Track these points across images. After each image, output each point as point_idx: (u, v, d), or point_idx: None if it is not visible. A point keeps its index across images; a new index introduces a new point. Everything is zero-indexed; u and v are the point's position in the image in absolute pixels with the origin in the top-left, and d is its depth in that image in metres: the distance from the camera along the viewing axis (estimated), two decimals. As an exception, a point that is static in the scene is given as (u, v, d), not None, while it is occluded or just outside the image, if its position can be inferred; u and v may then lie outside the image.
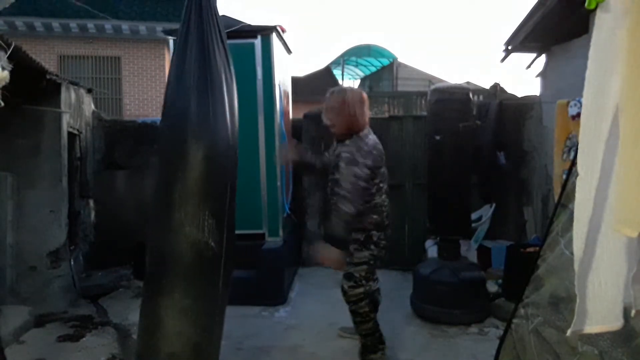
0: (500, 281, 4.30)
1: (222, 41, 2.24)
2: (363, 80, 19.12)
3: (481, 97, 5.86)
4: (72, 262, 4.51)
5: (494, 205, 5.25)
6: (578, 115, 3.52)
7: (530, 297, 2.04)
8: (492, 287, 4.28)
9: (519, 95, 5.81)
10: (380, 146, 2.99)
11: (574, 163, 1.68)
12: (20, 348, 3.35)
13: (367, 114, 3.03)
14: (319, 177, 3.51)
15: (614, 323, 1.38)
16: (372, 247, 2.95)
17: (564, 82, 4.56)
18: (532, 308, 2.00)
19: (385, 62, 16.82)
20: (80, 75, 9.67)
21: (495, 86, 5.83)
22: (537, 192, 5.16)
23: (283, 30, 4.74)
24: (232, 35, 4.02)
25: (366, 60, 17.59)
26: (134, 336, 2.97)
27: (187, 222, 2.08)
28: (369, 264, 2.95)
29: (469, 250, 4.82)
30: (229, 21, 4.42)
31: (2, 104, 2.58)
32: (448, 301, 3.81)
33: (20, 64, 3.15)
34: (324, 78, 14.32)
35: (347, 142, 2.93)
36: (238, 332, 3.64)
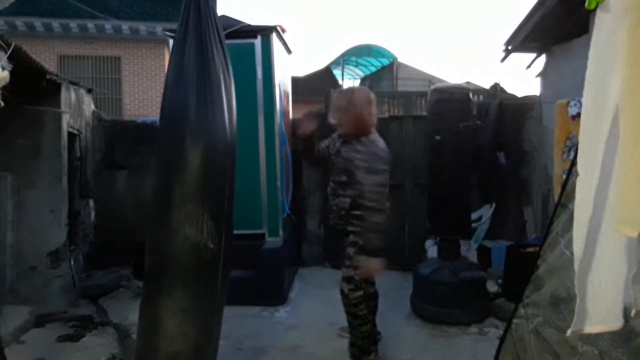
0: (500, 281, 4.30)
1: (221, 41, 2.24)
2: (363, 80, 19.12)
3: (481, 97, 5.86)
4: (72, 262, 4.51)
5: (494, 205, 5.25)
6: (578, 115, 3.52)
7: (530, 297, 2.04)
8: (492, 287, 4.28)
9: (519, 95, 5.81)
10: (387, 148, 3.00)
11: (574, 163, 1.69)
12: (20, 348, 3.35)
13: (375, 114, 2.99)
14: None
15: (614, 323, 1.38)
16: None
17: (564, 82, 4.56)
18: (532, 308, 2.00)
19: (385, 62, 16.82)
20: (80, 75, 9.66)
21: (495, 86, 5.83)
22: (537, 192, 5.16)
23: (283, 30, 4.74)
24: (232, 35, 4.04)
25: (366, 60, 17.59)
26: (134, 336, 2.97)
27: (187, 223, 2.09)
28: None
29: (469, 250, 4.82)
30: (229, 21, 4.42)
31: (2, 104, 2.58)
32: (448, 301, 3.81)
33: (20, 64, 3.15)
34: (324, 78, 14.33)
35: (358, 146, 2.87)
36: (238, 332, 3.64)
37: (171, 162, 2.16)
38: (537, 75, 5.34)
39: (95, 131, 5.49)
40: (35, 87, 3.88)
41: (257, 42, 4.43)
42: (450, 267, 3.93)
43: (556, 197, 2.40)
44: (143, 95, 10.87)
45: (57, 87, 4.32)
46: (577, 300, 1.41)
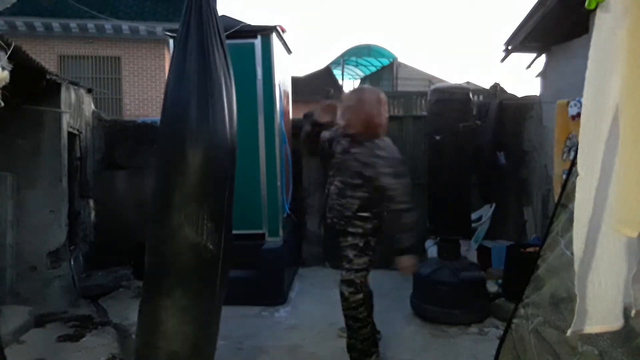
0: (500, 281, 4.30)
1: (222, 43, 2.25)
2: (363, 80, 19.11)
3: (481, 97, 5.86)
4: (72, 262, 4.51)
5: (494, 205, 5.25)
6: (578, 115, 3.52)
7: (530, 297, 2.04)
8: (492, 287, 4.28)
9: (519, 95, 5.81)
10: None
11: (574, 163, 1.68)
12: (20, 348, 3.35)
13: (385, 115, 2.94)
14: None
15: (614, 323, 1.38)
16: (370, 252, 2.94)
17: (564, 82, 4.57)
18: (532, 308, 2.00)
19: (385, 62, 16.82)
20: (80, 75, 9.66)
21: (495, 86, 5.83)
22: (537, 192, 5.16)
23: (283, 30, 4.74)
24: (232, 35, 4.04)
25: (366, 60, 17.58)
26: (134, 336, 2.98)
27: (187, 224, 2.10)
28: (367, 270, 2.94)
29: (469, 250, 4.82)
30: (229, 21, 4.42)
31: (2, 104, 2.58)
32: (448, 301, 3.81)
33: (20, 64, 3.15)
34: (324, 78, 14.33)
35: (379, 151, 2.84)
36: (238, 332, 3.64)
37: (171, 162, 2.17)
38: (537, 75, 5.35)
39: (95, 131, 5.49)
40: (35, 87, 3.88)
41: (257, 42, 4.43)
42: (450, 267, 3.93)
43: (556, 197, 2.40)
44: (143, 95, 10.87)
45: (57, 87, 4.32)
46: (577, 300, 1.41)
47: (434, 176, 4.22)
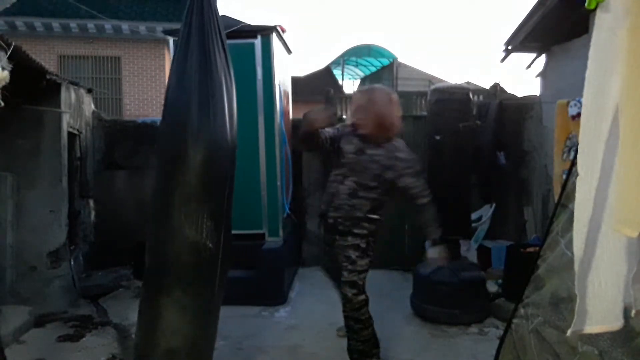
0: (500, 281, 4.29)
1: (223, 43, 2.27)
2: (363, 80, 19.12)
3: (481, 97, 5.88)
4: (72, 262, 4.51)
5: (494, 205, 5.25)
6: (578, 115, 3.52)
7: (530, 297, 2.04)
8: (492, 287, 4.28)
9: (519, 95, 5.82)
10: None
11: (574, 163, 1.69)
12: (20, 348, 3.35)
13: (397, 114, 2.93)
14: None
15: (614, 323, 1.38)
16: (371, 253, 2.93)
17: (564, 82, 4.56)
18: (532, 308, 2.00)
19: (385, 62, 16.82)
20: (80, 75, 9.66)
21: (495, 86, 5.84)
22: (537, 192, 5.16)
23: (283, 30, 4.74)
24: (232, 35, 4.03)
25: (366, 60, 17.59)
26: (134, 336, 2.98)
27: (187, 224, 2.12)
28: (367, 271, 2.94)
29: (469, 250, 4.83)
30: (229, 21, 4.42)
31: (2, 104, 2.58)
32: (448, 301, 3.81)
33: (20, 64, 3.15)
34: (324, 78, 14.35)
35: (398, 153, 2.86)
36: (238, 332, 3.64)
37: (172, 162, 2.19)
38: (537, 75, 5.35)
39: (95, 131, 5.49)
40: (35, 87, 3.88)
41: (257, 42, 4.43)
42: (450, 267, 3.92)
43: (556, 197, 2.40)
44: (143, 95, 10.87)
45: (57, 87, 4.32)
46: (577, 300, 1.41)
47: (434, 176, 4.20)
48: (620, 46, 1.25)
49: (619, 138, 1.24)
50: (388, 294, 4.40)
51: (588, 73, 1.35)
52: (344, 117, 5.87)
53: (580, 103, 1.50)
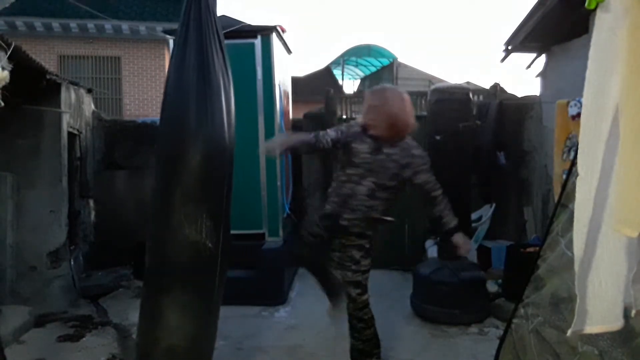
0: (500, 281, 4.29)
1: (221, 45, 2.28)
2: (363, 80, 19.12)
3: (481, 97, 5.86)
4: (72, 262, 4.51)
5: (494, 205, 5.25)
6: (578, 115, 3.52)
7: (530, 297, 2.04)
8: (492, 287, 4.28)
9: (519, 95, 5.81)
10: None
11: (574, 163, 1.69)
12: (20, 348, 3.35)
13: (411, 113, 2.86)
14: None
15: (614, 323, 1.38)
16: (372, 253, 2.93)
17: (564, 82, 4.56)
18: (532, 308, 2.00)
19: (385, 62, 16.82)
20: (80, 75, 9.66)
21: (495, 86, 5.83)
22: (537, 192, 5.16)
23: (283, 30, 4.74)
24: (232, 35, 4.04)
25: (366, 60, 17.59)
26: (134, 336, 2.98)
27: (186, 223, 2.14)
28: (369, 271, 2.94)
29: (469, 250, 4.82)
30: (229, 21, 4.42)
31: (2, 104, 2.59)
32: (448, 301, 3.81)
33: (20, 64, 3.16)
34: (324, 78, 14.36)
35: (414, 150, 2.85)
36: (238, 332, 3.64)
37: (171, 162, 2.20)
38: (537, 75, 5.35)
39: (95, 131, 5.49)
40: (35, 87, 3.88)
41: (257, 42, 4.43)
42: (450, 267, 3.93)
43: (556, 197, 2.40)
44: (143, 95, 10.87)
45: (57, 87, 4.33)
46: (577, 300, 1.41)
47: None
48: (620, 46, 1.25)
49: (619, 138, 1.24)
50: (388, 294, 4.40)
51: (588, 73, 1.35)
52: (344, 117, 5.86)
53: (580, 103, 1.50)
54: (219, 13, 2.38)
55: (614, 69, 1.27)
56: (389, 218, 2.90)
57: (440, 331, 3.73)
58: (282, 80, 4.96)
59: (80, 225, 5.01)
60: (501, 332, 2.69)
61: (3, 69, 2.66)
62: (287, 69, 5.39)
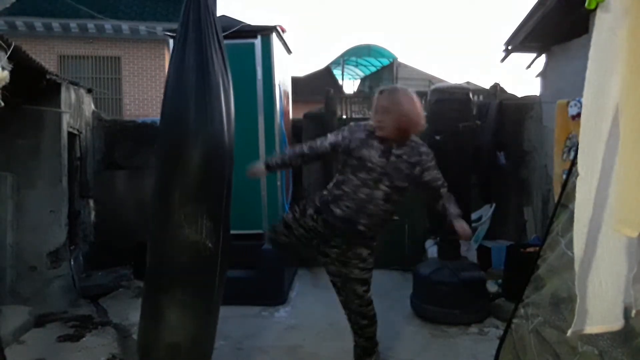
0: (500, 281, 4.29)
1: (220, 45, 2.28)
2: (363, 80, 19.14)
3: (481, 97, 5.87)
4: (72, 262, 4.51)
5: (494, 205, 5.25)
6: (578, 115, 3.52)
7: (530, 297, 2.04)
8: (492, 287, 4.28)
9: (519, 95, 5.81)
10: None
11: (574, 163, 1.69)
12: (20, 348, 3.35)
13: (420, 114, 2.81)
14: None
15: (614, 323, 1.38)
16: (375, 250, 2.95)
17: (564, 82, 4.56)
18: (532, 308, 2.00)
19: (385, 62, 16.83)
20: (80, 75, 9.66)
21: (495, 86, 5.84)
22: (537, 192, 5.16)
23: (283, 30, 4.74)
24: (232, 35, 4.04)
25: (366, 60, 17.60)
26: (134, 336, 2.98)
27: (186, 223, 2.14)
28: (373, 269, 2.96)
29: (469, 250, 4.82)
30: (229, 21, 4.42)
31: (2, 104, 2.59)
32: (448, 301, 3.81)
33: (20, 64, 3.15)
34: (324, 78, 14.37)
35: (422, 148, 2.84)
36: (238, 332, 3.64)
37: (171, 162, 2.21)
38: (537, 75, 5.35)
39: (95, 131, 5.49)
40: (35, 87, 3.88)
41: (257, 42, 4.43)
42: (450, 267, 3.93)
43: (556, 197, 2.40)
44: (143, 95, 10.87)
45: (57, 87, 4.32)
46: (577, 300, 1.41)
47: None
48: (620, 46, 1.25)
49: (619, 138, 1.24)
50: (388, 294, 4.40)
51: (588, 73, 1.35)
52: (344, 117, 5.86)
53: (580, 103, 1.50)
54: (219, 13, 2.38)
55: (614, 69, 1.27)
56: (396, 217, 2.95)
57: (440, 331, 3.73)
58: (282, 80, 4.96)
59: (80, 225, 5.01)
60: (501, 332, 2.69)
61: (3, 69, 2.66)
62: (287, 69, 5.39)
